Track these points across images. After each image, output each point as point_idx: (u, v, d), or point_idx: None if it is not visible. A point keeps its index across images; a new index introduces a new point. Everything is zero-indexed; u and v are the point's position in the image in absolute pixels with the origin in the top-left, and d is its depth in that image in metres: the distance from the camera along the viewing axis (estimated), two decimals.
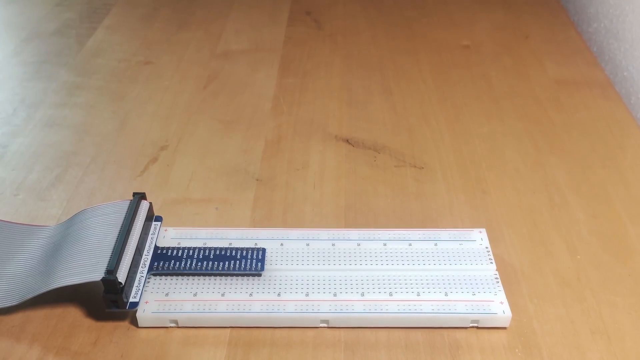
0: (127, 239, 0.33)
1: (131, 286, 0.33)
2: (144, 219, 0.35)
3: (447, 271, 0.35)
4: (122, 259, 0.32)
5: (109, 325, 0.33)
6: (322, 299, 0.33)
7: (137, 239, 0.34)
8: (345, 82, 0.54)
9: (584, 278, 0.36)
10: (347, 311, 0.32)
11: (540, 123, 0.49)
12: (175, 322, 0.32)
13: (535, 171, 0.44)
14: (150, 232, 0.36)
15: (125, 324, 0.33)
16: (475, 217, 0.40)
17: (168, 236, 0.37)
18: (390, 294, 0.33)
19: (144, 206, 0.36)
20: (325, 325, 0.33)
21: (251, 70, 0.55)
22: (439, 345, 0.32)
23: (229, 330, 0.33)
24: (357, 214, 0.40)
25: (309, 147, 0.46)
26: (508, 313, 0.33)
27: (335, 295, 0.33)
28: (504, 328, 0.33)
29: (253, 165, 0.44)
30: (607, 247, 0.38)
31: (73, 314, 0.33)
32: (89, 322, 0.33)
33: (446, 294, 0.33)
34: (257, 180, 0.43)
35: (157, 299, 0.33)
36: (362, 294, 0.33)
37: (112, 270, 0.31)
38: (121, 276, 0.32)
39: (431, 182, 0.43)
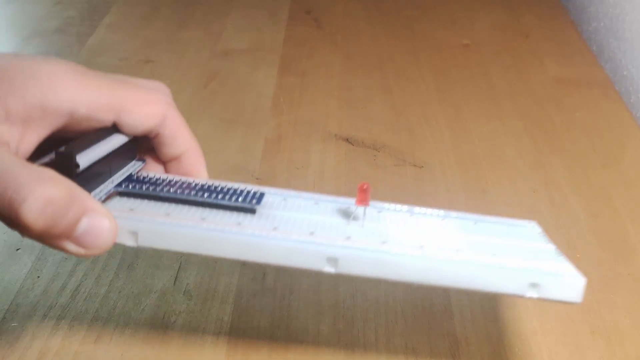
0: (97, 145, 0.27)
1: (89, 189, 0.26)
2: (121, 142, 0.29)
3: (493, 236, 0.27)
4: (89, 148, 0.27)
5: (109, 325, 0.33)
6: (331, 237, 0.26)
7: (108, 152, 0.28)
8: (345, 81, 0.54)
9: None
10: (364, 249, 0.25)
11: (540, 122, 0.49)
12: (135, 235, 0.26)
13: (535, 170, 0.44)
14: (129, 165, 0.30)
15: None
16: None
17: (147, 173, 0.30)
18: (422, 246, 0.26)
19: (121, 137, 0.29)
20: (332, 269, 0.25)
21: (251, 70, 0.55)
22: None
23: (227, 337, 0.33)
24: None
25: (308, 146, 0.46)
26: (581, 279, 0.25)
27: (348, 238, 0.26)
28: (570, 304, 0.26)
29: (253, 164, 0.44)
30: (607, 246, 0.38)
31: (73, 313, 0.33)
32: (89, 321, 0.33)
33: (494, 254, 0.25)
34: (257, 179, 0.43)
35: (118, 210, 0.26)
36: (384, 242, 0.26)
37: (71, 149, 0.25)
38: (82, 160, 0.26)
39: (431, 181, 0.43)
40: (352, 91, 0.53)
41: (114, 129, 0.29)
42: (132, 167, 0.30)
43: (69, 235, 0.24)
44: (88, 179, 0.26)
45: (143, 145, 0.31)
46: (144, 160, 0.31)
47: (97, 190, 0.27)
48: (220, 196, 0.27)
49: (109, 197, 0.28)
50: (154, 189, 0.27)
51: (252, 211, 0.27)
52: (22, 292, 0.34)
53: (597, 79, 0.54)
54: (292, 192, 0.30)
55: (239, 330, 0.33)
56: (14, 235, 0.38)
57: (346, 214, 0.28)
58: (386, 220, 0.28)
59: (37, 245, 0.37)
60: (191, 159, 0.30)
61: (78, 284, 0.35)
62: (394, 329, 0.33)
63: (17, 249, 0.37)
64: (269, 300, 0.34)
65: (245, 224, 0.26)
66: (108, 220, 0.24)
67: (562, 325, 0.33)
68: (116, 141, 0.29)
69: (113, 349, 0.32)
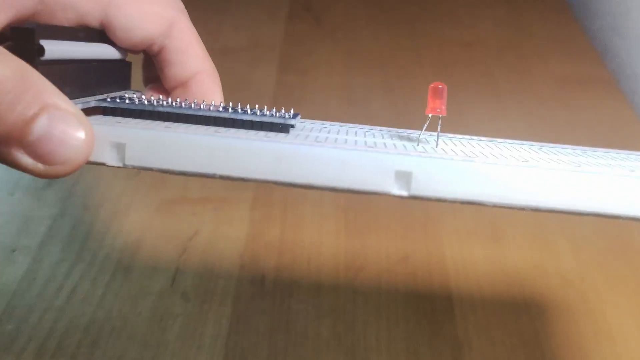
0: (75, 43, 0.21)
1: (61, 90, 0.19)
2: (110, 56, 0.23)
3: (614, 160, 0.22)
4: (62, 40, 0.21)
5: (106, 328, 0.32)
6: (399, 150, 0.19)
7: (91, 58, 0.22)
8: (345, 79, 0.54)
9: (587, 278, 0.36)
10: (448, 157, 0.18)
11: (544, 121, 0.49)
12: (121, 149, 0.19)
13: None
14: (119, 91, 0.24)
15: None
16: (478, 217, 0.40)
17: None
18: (527, 160, 0.19)
19: (110, 50, 0.23)
20: (403, 191, 0.18)
21: (250, 68, 0.55)
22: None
23: (225, 340, 0.32)
24: (357, 214, 0.40)
25: None
26: None
27: (424, 149, 0.20)
28: None
29: None
30: (612, 248, 0.38)
31: (70, 315, 0.33)
32: (85, 324, 0.33)
33: (632, 169, 0.20)
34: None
35: (100, 122, 0.20)
36: (472, 159, 0.19)
37: (34, 24, 0.19)
38: (51, 48, 0.19)
39: None
40: (352, 90, 0.52)
41: (103, 36, 0.22)
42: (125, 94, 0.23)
43: (20, 138, 0.17)
44: (58, 79, 0.19)
45: (147, 72, 0.24)
46: (139, 92, 0.25)
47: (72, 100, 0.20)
48: (241, 111, 0.21)
49: (88, 112, 0.21)
50: (151, 104, 0.21)
51: (284, 129, 0.21)
52: (17, 294, 0.34)
53: (601, 78, 0.54)
54: (333, 123, 0.24)
55: (237, 334, 0.32)
56: (10, 236, 0.37)
57: (411, 139, 0.21)
58: (464, 146, 0.21)
59: (33, 246, 0.37)
60: (203, 85, 0.23)
61: (74, 286, 0.34)
62: (395, 333, 0.32)
63: (13, 251, 0.36)
64: (268, 303, 0.34)
65: (278, 138, 0.19)
66: (79, 122, 0.17)
67: (565, 328, 0.33)
68: (103, 52, 0.23)
69: (110, 352, 0.31)
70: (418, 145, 0.20)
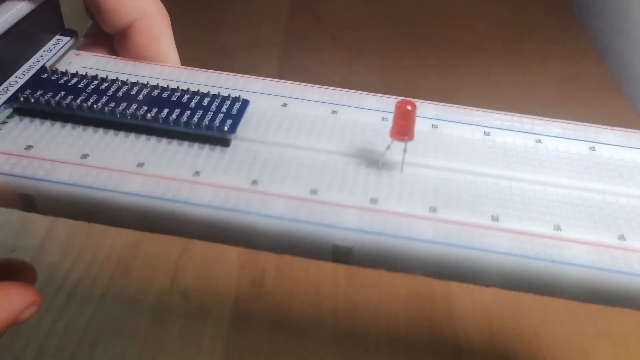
0: None
1: None
2: (27, 10, 0.20)
3: (619, 196, 0.19)
4: None
5: (106, 328, 0.32)
6: (345, 203, 0.17)
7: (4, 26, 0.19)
8: (345, 79, 0.54)
9: None
10: (397, 235, 0.16)
11: None
12: (30, 199, 0.17)
13: None
14: (45, 48, 0.21)
15: None
16: None
17: (79, 64, 0.22)
18: (495, 218, 0.17)
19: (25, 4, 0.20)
20: (343, 261, 0.17)
21: (250, 67, 0.55)
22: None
23: (225, 341, 0.32)
24: None
25: None
26: None
27: (374, 202, 0.17)
28: None
29: None
30: None
31: (69, 315, 0.33)
32: (85, 324, 0.33)
33: (622, 237, 0.17)
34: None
35: (6, 151, 0.18)
36: (434, 209, 0.17)
37: None
38: None
39: None
40: (353, 89, 0.52)
41: None
42: (53, 49, 0.21)
43: None
44: None
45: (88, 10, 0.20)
46: (73, 35, 0.22)
47: None
48: (173, 116, 0.19)
49: None
50: (69, 103, 0.18)
51: (224, 142, 0.19)
52: None
53: (602, 78, 0.54)
54: (298, 88, 0.22)
55: (237, 335, 0.32)
56: (10, 237, 0.37)
57: (374, 155, 0.19)
58: (439, 158, 0.19)
59: (33, 247, 0.37)
60: (146, 33, 0.19)
61: (74, 286, 0.34)
62: (396, 335, 0.32)
63: (13, 251, 0.36)
64: (268, 304, 0.34)
65: (205, 174, 0.18)
66: None
67: (566, 330, 0.33)
68: (12, 14, 0.19)
69: (109, 353, 0.31)
70: (380, 166, 0.18)
